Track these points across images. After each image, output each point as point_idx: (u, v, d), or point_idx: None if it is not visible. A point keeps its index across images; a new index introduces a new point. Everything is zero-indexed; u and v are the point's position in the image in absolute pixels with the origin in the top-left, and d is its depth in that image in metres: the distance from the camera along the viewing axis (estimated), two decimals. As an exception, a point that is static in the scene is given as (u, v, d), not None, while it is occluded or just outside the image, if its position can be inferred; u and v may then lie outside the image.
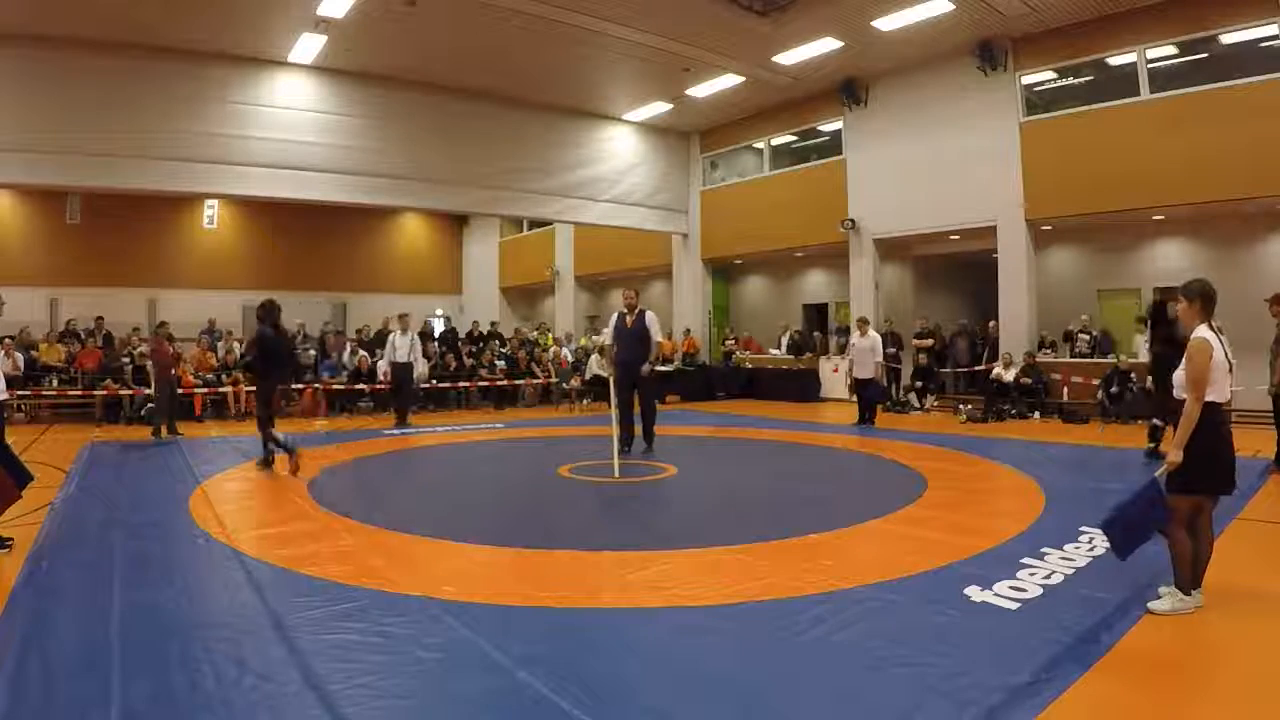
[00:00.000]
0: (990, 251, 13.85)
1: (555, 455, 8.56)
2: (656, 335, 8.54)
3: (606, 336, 9.24)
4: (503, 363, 15.87)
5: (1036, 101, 13.38)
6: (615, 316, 8.78)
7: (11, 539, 4.70)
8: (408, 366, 11.70)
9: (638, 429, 8.64)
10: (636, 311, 8.55)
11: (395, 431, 10.91)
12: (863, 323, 11.95)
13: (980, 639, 3.20)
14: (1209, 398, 3.47)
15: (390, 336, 11.73)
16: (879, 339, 11.79)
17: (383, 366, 12.17)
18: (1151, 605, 3.46)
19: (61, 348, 13.28)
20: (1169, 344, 6.72)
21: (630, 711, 2.63)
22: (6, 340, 12.23)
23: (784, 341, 17.54)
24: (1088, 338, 12.92)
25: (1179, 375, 3.61)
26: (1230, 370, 3.59)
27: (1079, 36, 12.34)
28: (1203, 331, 3.53)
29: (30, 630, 3.30)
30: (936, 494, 6.27)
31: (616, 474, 7.09)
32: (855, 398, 11.90)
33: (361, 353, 13.98)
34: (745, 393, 17.00)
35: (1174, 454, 3.46)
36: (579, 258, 22.16)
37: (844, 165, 15.81)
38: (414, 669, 2.95)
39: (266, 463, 7.58)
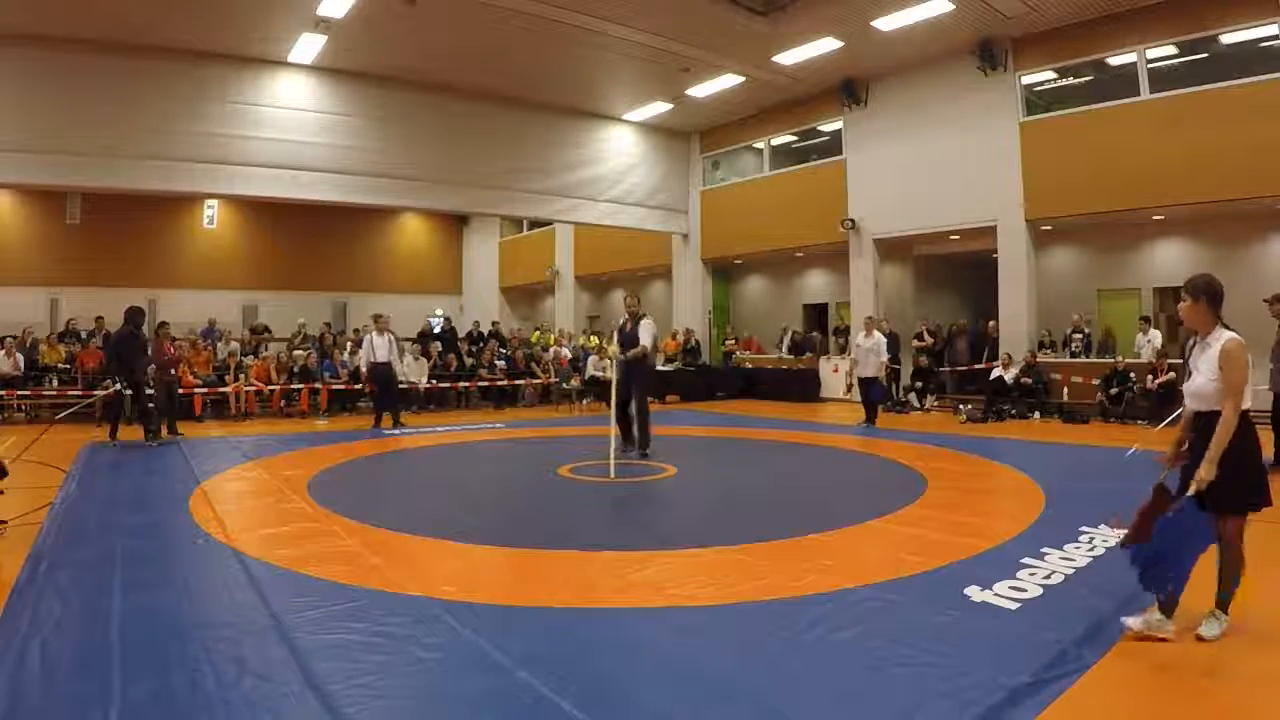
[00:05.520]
0: (990, 251, 13.86)
1: (555, 455, 8.56)
2: (644, 339, 8.64)
3: (614, 341, 9.53)
4: (503, 363, 15.88)
5: (1036, 101, 13.38)
6: (619, 322, 9.12)
7: (6, 521, 4.91)
8: (388, 366, 11.65)
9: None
10: (635, 317, 8.74)
11: (394, 431, 10.91)
12: (869, 322, 11.82)
13: (980, 639, 3.19)
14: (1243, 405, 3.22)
15: (367, 338, 11.69)
16: (883, 340, 11.61)
17: (363, 366, 12.13)
18: (1202, 631, 3.19)
19: (63, 348, 13.29)
20: None
21: (630, 711, 2.63)
22: (8, 340, 12.23)
23: (785, 342, 17.57)
24: (1080, 336, 12.93)
25: (1199, 384, 3.25)
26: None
27: (1079, 36, 12.35)
28: (1231, 333, 3.23)
29: (30, 630, 3.29)
30: (936, 494, 6.26)
31: (612, 474, 7.09)
32: (860, 397, 11.75)
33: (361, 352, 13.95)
34: (745, 393, 17.00)
35: (1207, 469, 3.10)
36: (579, 258, 22.17)
37: (844, 165, 15.82)
38: (414, 669, 2.94)
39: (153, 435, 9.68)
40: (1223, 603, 3.25)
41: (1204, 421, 3.23)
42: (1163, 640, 3.14)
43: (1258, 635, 3.28)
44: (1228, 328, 3.28)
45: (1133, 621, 3.23)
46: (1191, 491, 3.15)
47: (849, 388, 12.10)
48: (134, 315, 9.82)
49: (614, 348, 8.72)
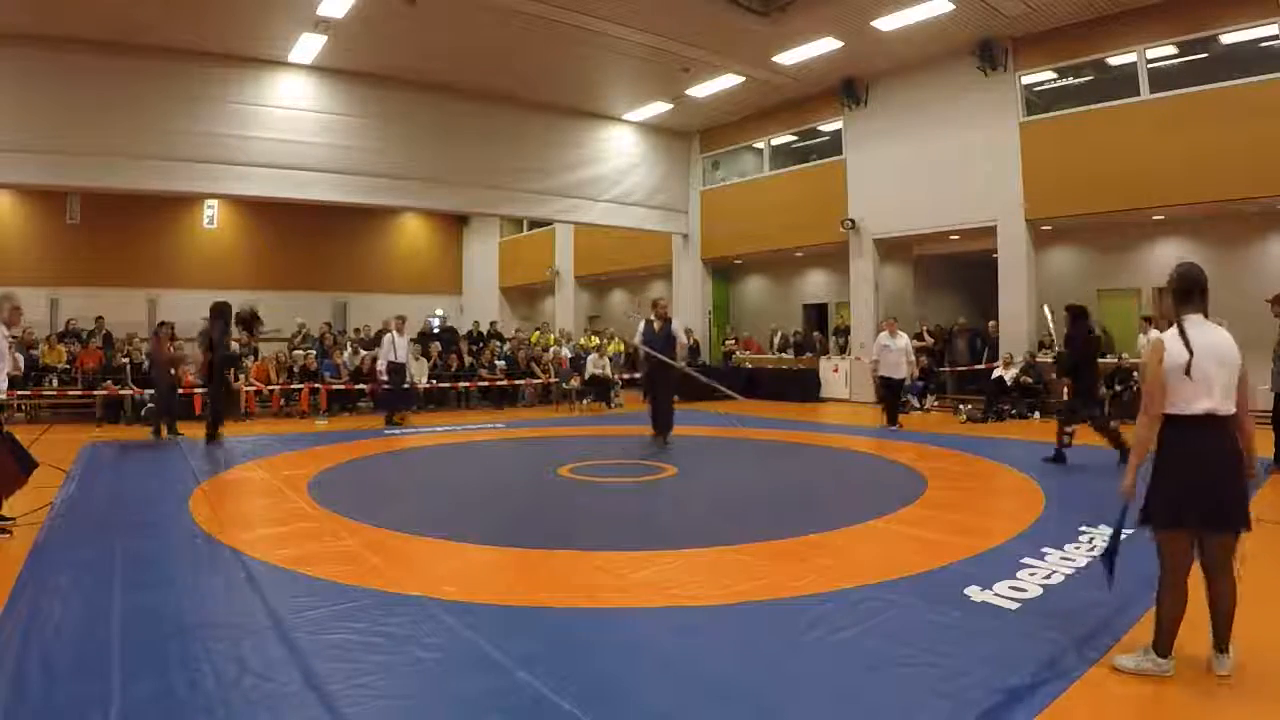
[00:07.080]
0: (990, 251, 13.85)
1: (555, 455, 8.57)
2: (682, 338, 9.58)
3: (638, 339, 9.84)
4: (503, 363, 15.87)
5: (1036, 101, 13.37)
6: (644, 323, 9.52)
7: (14, 519, 5.01)
8: (404, 367, 12.00)
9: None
10: (666, 319, 9.38)
11: (395, 431, 10.91)
12: (893, 323, 11.37)
13: (980, 639, 3.20)
14: (1170, 410, 2.91)
15: (388, 337, 11.95)
16: (909, 341, 11.35)
17: (381, 365, 12.25)
18: (1117, 660, 2.98)
19: (63, 349, 13.28)
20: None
21: (630, 711, 2.63)
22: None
23: (775, 344, 17.55)
24: (1088, 336, 12.92)
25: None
26: (1187, 372, 2.88)
27: (1079, 36, 12.34)
28: (1165, 332, 2.99)
29: (30, 630, 3.30)
30: (936, 494, 6.27)
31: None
32: (881, 400, 11.50)
33: (363, 352, 14.00)
34: (745, 393, 16.92)
35: (1125, 481, 3.01)
36: (579, 258, 22.16)
37: (844, 165, 15.81)
38: (414, 669, 2.95)
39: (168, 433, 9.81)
40: (1157, 641, 2.91)
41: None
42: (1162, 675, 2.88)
43: (1262, 634, 3.27)
44: (1179, 324, 2.95)
45: (1125, 661, 2.97)
46: (1123, 505, 3.05)
47: (878, 391, 11.62)
48: (224, 310, 9.99)
49: (611, 346, 9.00)
